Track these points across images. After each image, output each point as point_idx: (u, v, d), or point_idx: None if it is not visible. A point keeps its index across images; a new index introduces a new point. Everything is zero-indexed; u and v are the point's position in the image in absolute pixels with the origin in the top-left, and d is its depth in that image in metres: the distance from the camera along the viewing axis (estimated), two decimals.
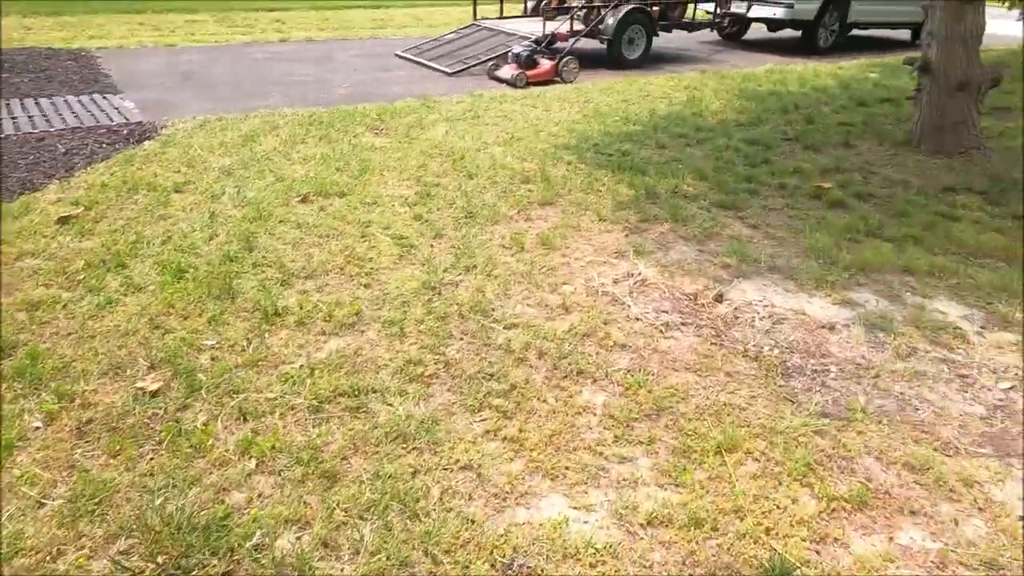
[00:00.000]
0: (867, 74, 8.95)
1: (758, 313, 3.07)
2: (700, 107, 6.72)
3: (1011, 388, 2.62)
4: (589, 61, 8.89)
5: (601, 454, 2.20)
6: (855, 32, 12.18)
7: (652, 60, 9.47)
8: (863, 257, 3.58)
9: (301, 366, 2.52)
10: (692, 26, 9.99)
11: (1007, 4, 12.29)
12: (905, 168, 5.00)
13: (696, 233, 3.84)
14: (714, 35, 11.63)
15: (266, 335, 2.70)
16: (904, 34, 13.12)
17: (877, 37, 13.02)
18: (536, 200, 4.19)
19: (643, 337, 2.84)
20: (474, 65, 8.10)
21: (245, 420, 2.25)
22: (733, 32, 12.02)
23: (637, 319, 2.98)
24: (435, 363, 2.59)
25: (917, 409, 2.48)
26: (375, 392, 2.41)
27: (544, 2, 9.66)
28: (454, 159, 4.84)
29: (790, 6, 10.51)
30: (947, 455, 2.27)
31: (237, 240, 3.42)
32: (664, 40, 10.44)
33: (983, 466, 2.22)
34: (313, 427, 2.23)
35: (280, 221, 3.71)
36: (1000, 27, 12.96)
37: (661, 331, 2.90)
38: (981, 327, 3.05)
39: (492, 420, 2.31)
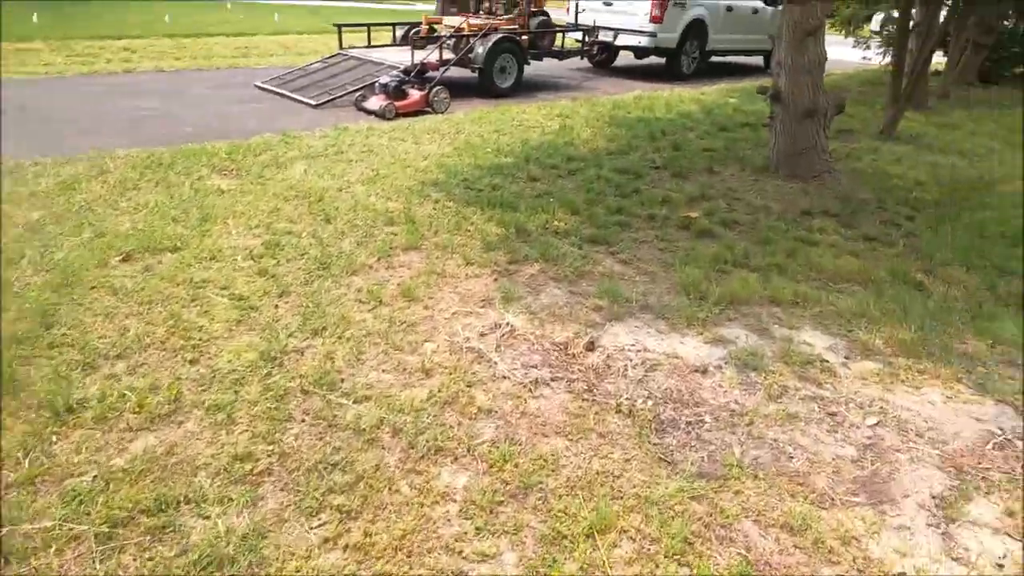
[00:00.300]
0: (727, 99, 9.38)
1: (631, 360, 2.91)
2: (572, 136, 6.70)
3: (877, 423, 2.59)
4: (462, 90, 8.75)
5: (461, 553, 1.91)
6: (715, 59, 12.87)
7: (526, 88, 9.47)
8: (732, 289, 3.54)
9: (94, 478, 2.06)
10: (563, 54, 10.11)
11: (844, 33, 13.50)
12: (766, 193, 5.14)
13: (567, 273, 3.67)
14: (585, 62, 11.89)
15: (52, 439, 2.21)
16: (759, 59, 14.03)
17: (735, 63, 13.83)
18: (400, 245, 3.89)
19: (510, 399, 2.60)
20: (340, 96, 7.72)
21: (6, 564, 1.77)
22: (603, 59, 12.35)
23: (504, 377, 2.73)
24: (268, 456, 2.21)
25: (791, 457, 2.38)
26: (188, 503, 2.00)
27: (413, 31, 9.45)
28: (311, 201, 4.45)
29: (653, 35, 10.92)
30: (823, 508, 2.16)
31: (31, 316, 2.87)
32: (538, 68, 10.51)
33: (859, 517, 2.13)
34: (100, 562, 1.79)
35: (92, 287, 3.18)
36: (841, 54, 14.14)
37: (530, 390, 2.67)
38: (845, 357, 3.05)
39: (333, 524, 1.97)
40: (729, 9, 11.82)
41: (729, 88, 10.53)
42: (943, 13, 8.33)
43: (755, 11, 12.25)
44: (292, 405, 2.46)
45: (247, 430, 2.32)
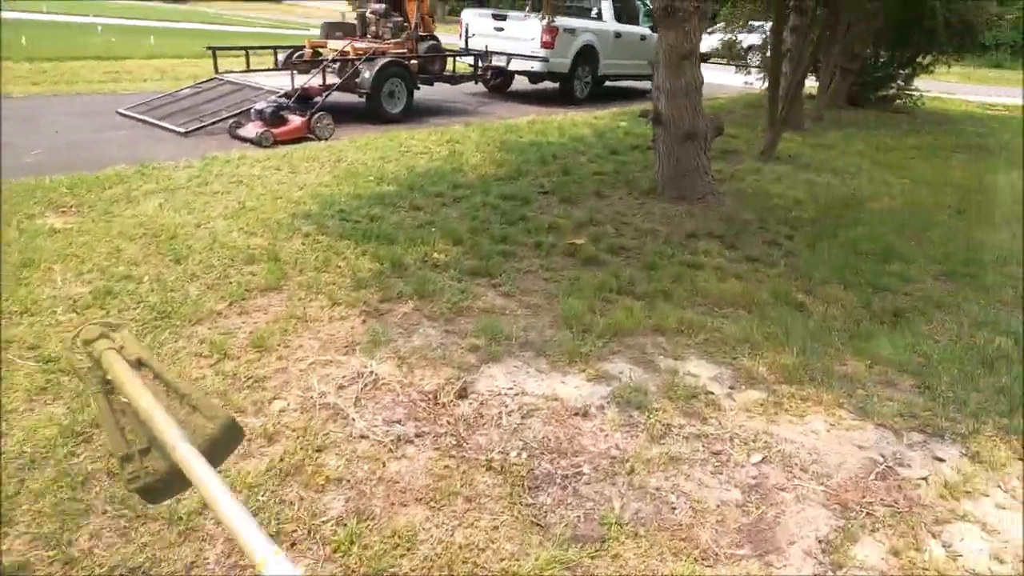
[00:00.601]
0: (619, 123, 9.50)
1: (506, 406, 2.66)
2: (461, 162, 6.49)
3: (762, 460, 2.46)
4: (350, 116, 8.41)
5: None
6: (609, 84, 13.14)
7: (418, 113, 9.23)
8: (617, 320, 3.38)
9: None
10: (455, 79, 9.96)
11: (725, 59, 14.13)
12: (652, 216, 5.09)
13: (444, 310, 3.40)
14: (481, 87, 11.81)
15: None
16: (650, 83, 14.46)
17: (628, 87, 14.18)
18: (258, 286, 3.50)
19: (367, 463, 2.28)
20: (212, 123, 7.19)
21: None
22: (499, 84, 12.32)
23: (362, 437, 2.41)
24: (47, 564, 1.79)
25: (674, 508, 2.19)
26: None
27: (296, 55, 9.02)
28: (161, 240, 3.97)
29: (545, 60, 10.99)
30: (708, 566, 1.97)
31: None
32: (432, 92, 10.32)
33: (745, 573, 1.96)
34: None
35: None
36: (725, 78, 14.80)
37: (391, 449, 2.36)
38: (730, 387, 2.93)
39: None
40: (618, 35, 12.11)
41: (621, 112, 10.71)
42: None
43: (643, 37, 12.61)
44: (93, 493, 2.04)
45: (26, 532, 1.88)
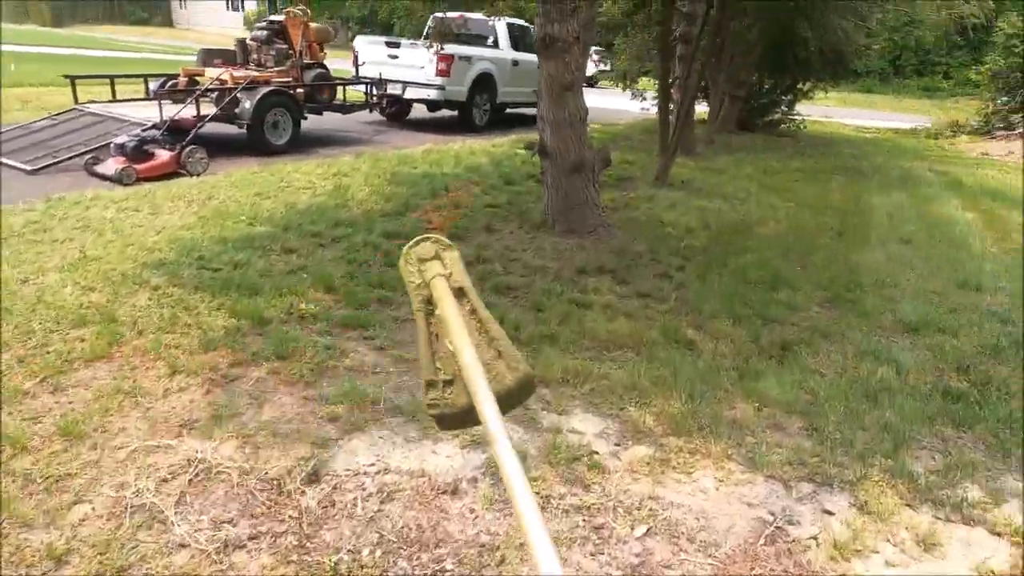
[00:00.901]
0: (516, 150, 9.39)
1: (364, 489, 2.33)
2: (346, 197, 6.12)
3: (647, 532, 2.24)
4: (231, 149, 7.88)
5: None
6: (510, 111, 13.10)
7: (307, 144, 8.79)
8: None
9: None
10: (346, 108, 9.59)
11: (621, 86, 14.45)
12: (543, 252, 4.90)
13: (305, 372, 3.03)
14: (378, 116, 11.48)
15: None
16: None
17: (529, 114, 14.21)
18: (83, 354, 3.01)
19: None
20: (66, 159, 6.50)
21: None
22: (396, 112, 12.01)
23: (181, 546, 2.01)
24: None
25: None
26: None
27: (170, 83, 8.39)
28: None
29: (441, 88, 10.81)
30: None
31: None
32: (325, 122, 9.91)
33: None
34: None
35: None
36: (624, 104, 15.13)
37: (216, 560, 1.97)
38: (616, 444, 2.72)
39: None
40: (515, 63, 12.11)
41: (519, 139, 10.62)
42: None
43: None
44: None
45: None
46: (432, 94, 10.88)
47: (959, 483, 2.63)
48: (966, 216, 7.65)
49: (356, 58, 10.19)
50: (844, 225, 6.65)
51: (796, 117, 15.25)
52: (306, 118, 8.63)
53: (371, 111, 10.59)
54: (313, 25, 9.11)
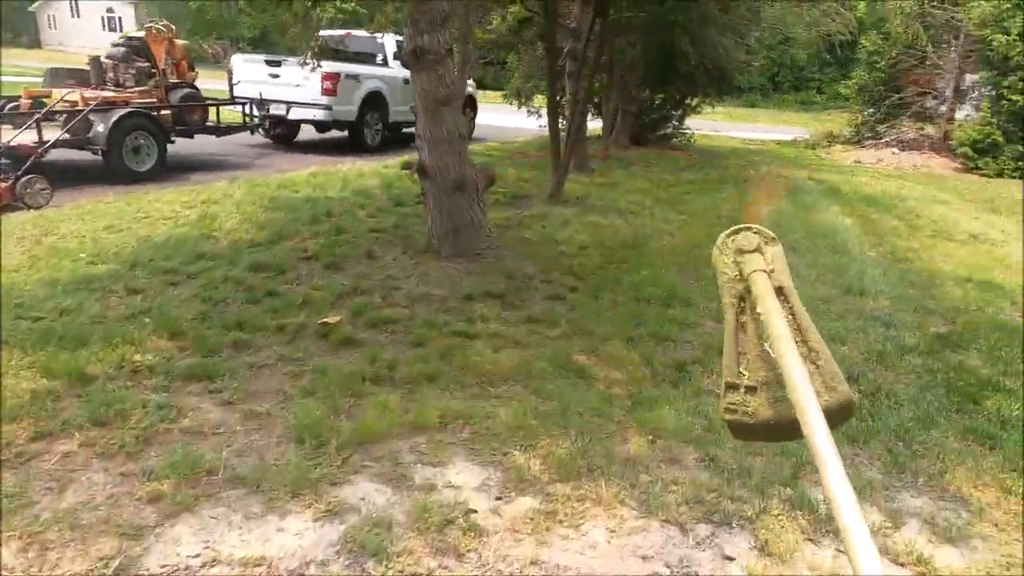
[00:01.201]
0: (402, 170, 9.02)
1: None
2: (212, 226, 5.54)
3: None
4: (88, 177, 7.09)
5: None
6: (406, 130, 12.72)
7: (179, 169, 8.11)
8: (366, 422, 2.74)
9: None
10: (221, 130, 8.92)
11: (516, 104, 14.41)
12: (428, 278, 4.56)
13: (128, 441, 2.54)
14: (263, 138, 10.83)
15: None
16: None
17: None
18: None
19: None
20: None
21: None
22: (281, 134, 11.37)
23: None
24: None
25: None
26: None
27: (10, 106, 7.47)
28: None
29: (328, 108, 10.30)
30: None
31: None
32: (203, 145, 9.19)
33: None
34: None
35: None
36: (522, 121, 15.07)
37: None
38: (498, 497, 2.40)
39: None
40: (407, 82, 11.75)
41: (414, 159, 10.26)
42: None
43: None
44: None
45: None
46: (319, 114, 10.36)
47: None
48: (845, 222, 7.95)
49: (231, 77, 9.53)
50: None
51: (687, 131, 15.73)
52: (173, 142, 7.92)
53: (252, 133, 9.94)
54: (179, 42, 8.42)
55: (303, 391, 2.98)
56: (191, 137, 8.44)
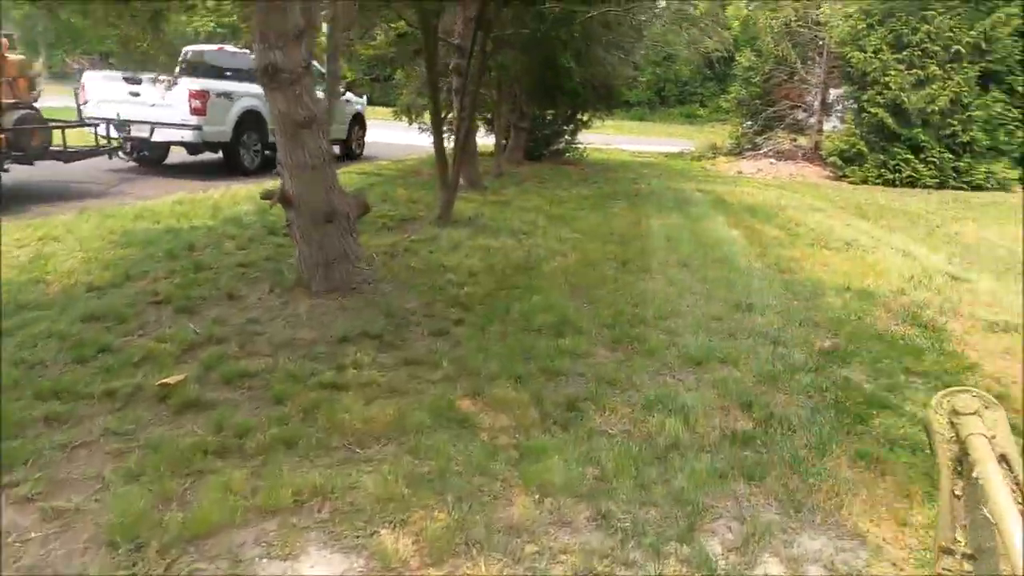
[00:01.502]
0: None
1: None
2: (44, 269, 4.82)
3: None
4: None
5: None
6: None
7: (19, 200, 7.18)
8: (202, 511, 2.29)
9: None
10: (69, 155, 8.00)
11: (407, 120, 14.02)
12: (296, 320, 4.11)
13: None
14: (128, 162, 9.87)
15: None
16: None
17: None
18: None
19: None
20: None
21: None
22: (147, 157, 10.42)
23: None
24: None
25: None
26: None
27: None
28: None
29: (198, 128, 9.53)
30: None
31: None
32: (57, 171, 8.19)
33: None
34: None
35: None
36: (417, 139, 14.66)
37: None
38: None
39: None
40: None
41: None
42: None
43: None
44: None
45: None
46: (187, 135, 9.56)
47: (758, 557, 2.31)
48: (732, 233, 8.13)
49: (78, 95, 8.59)
50: (627, 253, 6.64)
51: (579, 145, 15.91)
52: (7, 170, 6.98)
53: (111, 157, 9.03)
54: (13, 57, 7.47)
55: (127, 475, 2.48)
56: (30, 164, 7.49)
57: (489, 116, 12.80)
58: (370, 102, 15.05)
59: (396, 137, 16.44)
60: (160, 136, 9.53)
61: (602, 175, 13.38)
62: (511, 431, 3.03)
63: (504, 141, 12.40)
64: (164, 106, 9.44)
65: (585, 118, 15.69)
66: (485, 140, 14.21)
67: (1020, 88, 14.51)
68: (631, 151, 19.92)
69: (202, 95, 9.41)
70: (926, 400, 3.57)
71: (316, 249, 4.24)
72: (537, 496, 2.55)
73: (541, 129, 14.92)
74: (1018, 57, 14.38)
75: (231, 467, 2.59)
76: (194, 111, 9.43)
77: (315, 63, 7.30)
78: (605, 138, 20.44)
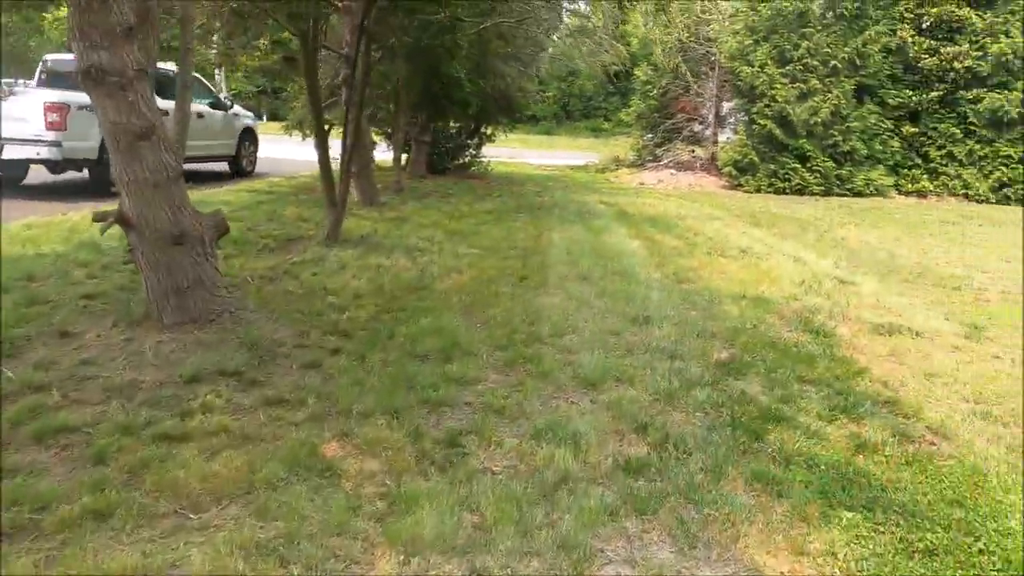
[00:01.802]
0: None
1: None
2: None
3: None
4: None
5: None
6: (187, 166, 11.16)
7: None
8: None
9: None
10: None
11: (299, 135, 13.37)
12: (140, 359, 3.58)
13: None
14: None
15: None
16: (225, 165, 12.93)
17: (205, 171, 12.31)
18: None
19: None
20: None
21: None
22: (2, 177, 9.33)
23: None
24: None
25: None
26: None
27: None
28: None
29: (57, 144, 8.62)
30: None
31: None
32: None
33: None
34: None
35: None
36: (311, 153, 13.99)
37: None
38: None
39: None
40: (165, 113, 10.29)
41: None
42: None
43: (200, 115, 11.05)
44: None
45: None
46: (44, 152, 8.63)
47: None
48: (632, 245, 8.09)
49: None
50: (527, 267, 6.42)
51: (484, 159, 15.73)
52: None
53: None
54: None
55: None
56: None
57: (388, 130, 12.39)
58: (259, 116, 14.30)
59: (291, 152, 15.69)
60: (11, 153, 8.54)
61: (507, 188, 13.22)
62: (380, 477, 2.67)
63: (405, 155, 12.01)
64: (16, 120, 8.49)
65: (489, 131, 15.55)
66: (387, 155, 13.77)
67: (891, 101, 15.56)
68: (537, 164, 19.96)
69: (60, 108, 8.52)
70: (819, 410, 3.52)
71: (165, 276, 3.72)
72: (403, 556, 2.21)
73: (445, 143, 14.63)
74: (887, 72, 15.43)
75: (18, 554, 2.09)
76: (51, 125, 8.53)
77: (172, 68, 6.70)
78: (512, 152, 20.42)
